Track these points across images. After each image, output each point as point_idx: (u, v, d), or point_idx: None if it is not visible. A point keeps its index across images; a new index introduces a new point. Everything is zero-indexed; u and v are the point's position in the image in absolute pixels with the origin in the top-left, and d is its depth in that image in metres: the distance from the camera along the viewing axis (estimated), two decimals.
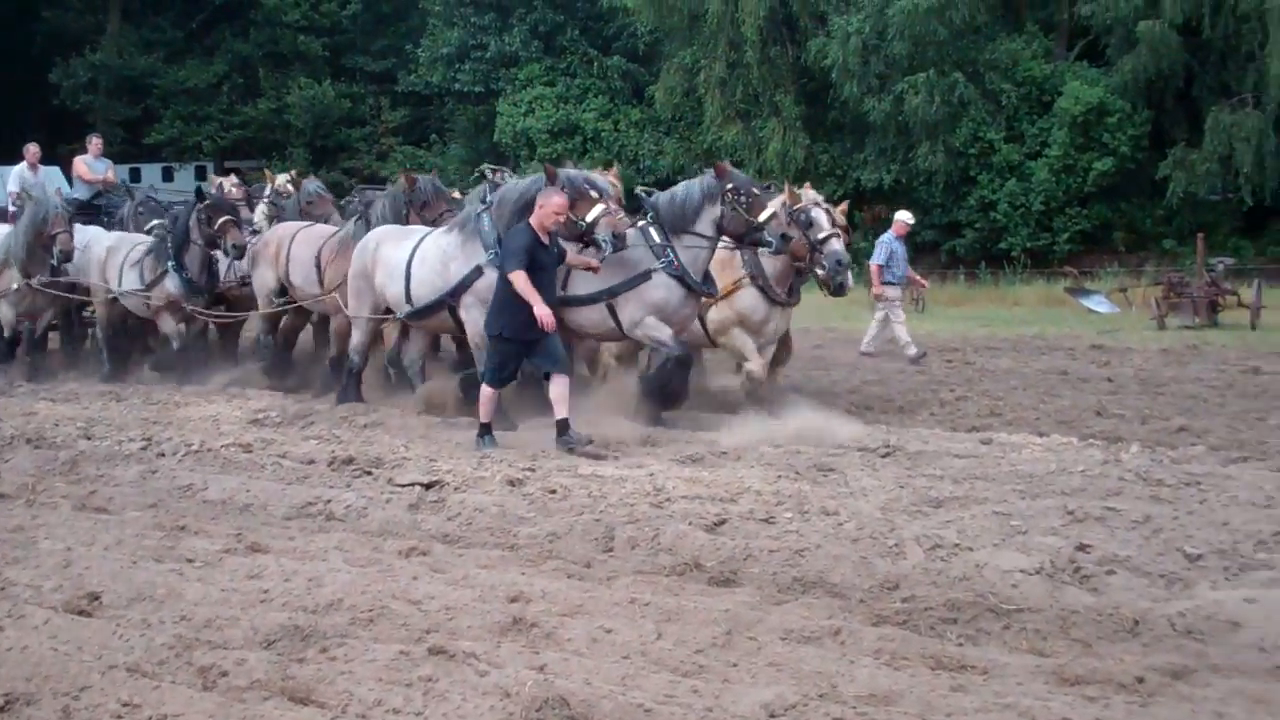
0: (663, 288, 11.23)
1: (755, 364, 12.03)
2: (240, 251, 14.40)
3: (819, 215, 12.03)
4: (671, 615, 5.82)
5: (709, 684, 4.96)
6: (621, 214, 11.36)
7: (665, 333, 11.14)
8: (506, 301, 10.11)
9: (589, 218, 10.72)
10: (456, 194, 14.77)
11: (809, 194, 12.39)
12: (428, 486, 8.62)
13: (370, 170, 45.97)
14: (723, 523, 7.46)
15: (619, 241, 10.73)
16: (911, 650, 5.32)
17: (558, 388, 10.09)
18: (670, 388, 11.28)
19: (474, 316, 11.34)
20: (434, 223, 12.62)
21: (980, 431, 11.10)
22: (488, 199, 11.71)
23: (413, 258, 11.93)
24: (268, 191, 17.11)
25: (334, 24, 49.19)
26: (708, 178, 11.36)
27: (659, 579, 6.54)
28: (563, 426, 10.04)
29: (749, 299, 12.04)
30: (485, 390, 10.35)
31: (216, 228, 14.32)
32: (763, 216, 10.95)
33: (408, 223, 12.97)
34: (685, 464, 9.40)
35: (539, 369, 10.45)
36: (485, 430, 10.29)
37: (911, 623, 5.76)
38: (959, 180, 35.83)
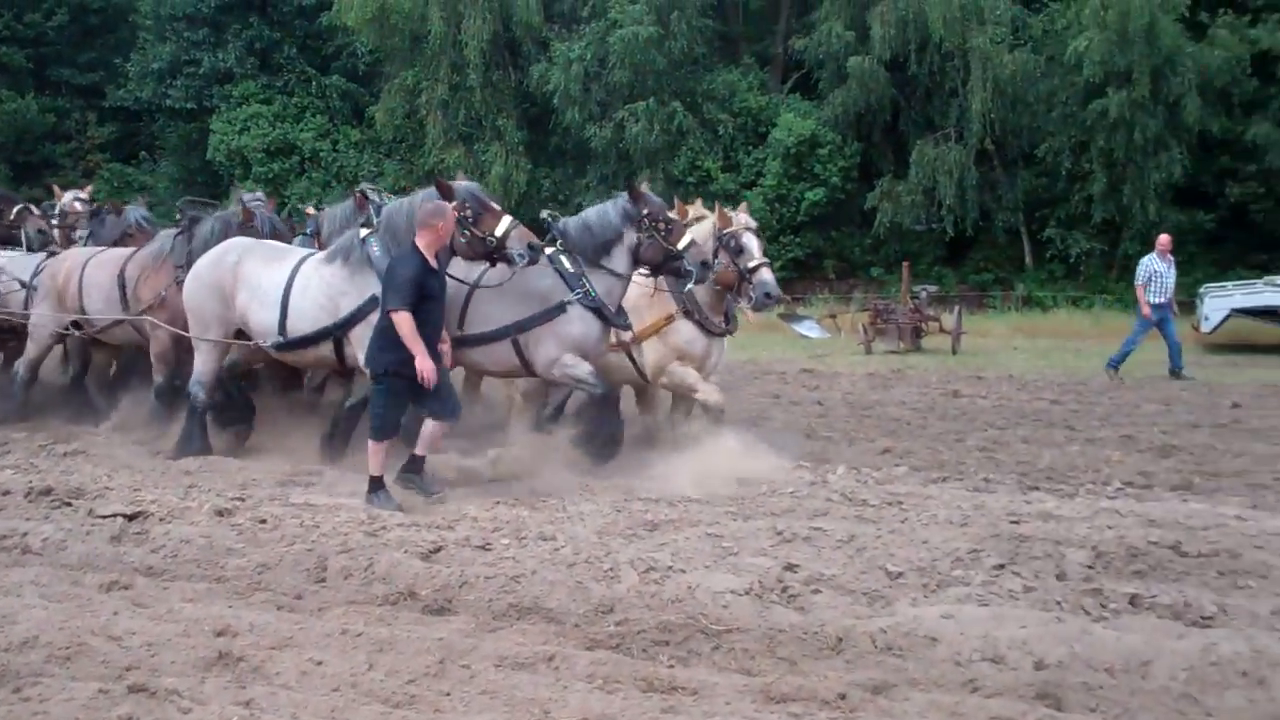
0: (579, 321, 10.17)
1: (708, 392, 11.04)
2: (45, 240, 13.66)
3: (750, 241, 11.25)
4: (384, 645, 5.72)
5: (420, 714, 4.90)
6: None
7: (584, 369, 10.10)
8: (392, 334, 8.86)
9: (498, 232, 9.71)
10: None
11: (741, 217, 11.50)
12: (130, 518, 8.20)
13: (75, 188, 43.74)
14: (438, 550, 7.39)
15: (535, 253, 9.76)
16: (624, 673, 5.36)
17: (434, 429, 9.14)
18: (604, 432, 10.33)
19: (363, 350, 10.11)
20: None
21: None
22: (373, 222, 10.48)
23: (292, 285, 10.45)
24: (56, 209, 15.29)
25: (38, 35, 46.81)
26: (622, 202, 10.44)
27: (372, 609, 6.44)
28: (417, 464, 9.18)
29: (685, 333, 11.10)
30: (373, 444, 8.94)
31: (13, 218, 13.62)
32: (681, 244, 10.20)
33: None
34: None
35: (428, 413, 9.15)
36: (378, 485, 8.88)
37: (625, 646, 5.81)
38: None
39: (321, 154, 41.02)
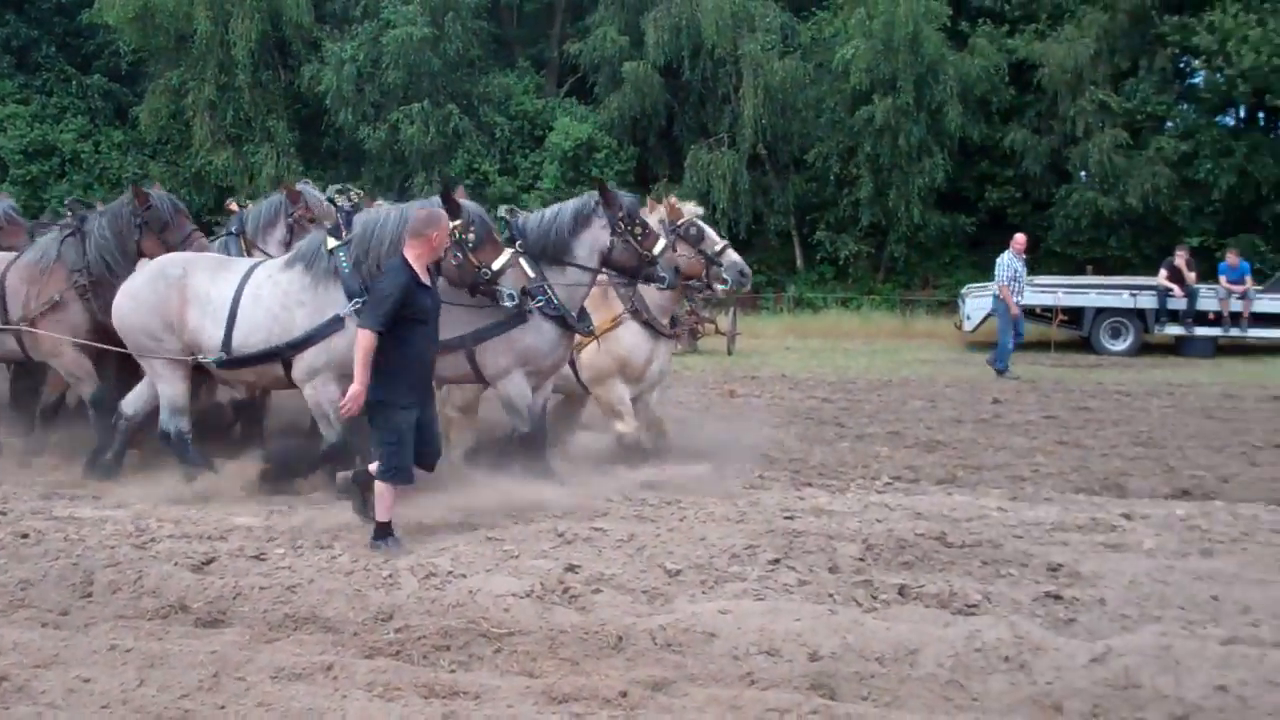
0: (534, 330, 9.56)
1: (629, 425, 10.50)
2: None
3: (706, 227, 10.82)
4: (155, 660, 5.54)
5: None
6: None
7: (524, 401, 9.54)
8: (389, 358, 7.69)
9: (495, 266, 8.94)
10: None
11: (689, 207, 11.00)
12: None
13: None
14: (211, 561, 7.21)
15: (525, 300, 9.16)
16: (404, 680, 5.30)
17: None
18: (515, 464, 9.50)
19: (321, 381, 9.14)
20: (179, 248, 10.40)
21: None
22: (342, 231, 9.29)
23: (240, 295, 9.41)
24: None
25: None
26: (588, 199, 9.87)
27: (142, 623, 6.23)
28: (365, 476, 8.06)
29: (631, 338, 10.50)
30: (380, 485, 7.77)
31: None
32: (657, 249, 9.69)
33: (138, 249, 10.61)
34: (173, 503, 8.99)
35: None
36: (385, 531, 7.73)
37: (405, 653, 5.75)
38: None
39: (83, 155, 39.34)
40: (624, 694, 5.11)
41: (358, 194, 9.90)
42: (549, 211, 10.03)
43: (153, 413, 9.85)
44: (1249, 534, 8.20)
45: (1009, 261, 20.42)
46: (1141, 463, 11.30)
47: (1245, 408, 15.79)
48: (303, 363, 9.20)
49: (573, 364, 10.41)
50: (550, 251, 9.70)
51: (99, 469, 9.97)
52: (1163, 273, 24.47)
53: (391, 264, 7.96)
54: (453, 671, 5.53)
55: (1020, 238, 21.18)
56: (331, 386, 9.07)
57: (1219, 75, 29.94)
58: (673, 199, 11.05)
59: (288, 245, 10.90)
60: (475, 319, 9.39)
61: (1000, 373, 19.78)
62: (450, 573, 6.83)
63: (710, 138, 34.47)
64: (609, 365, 10.45)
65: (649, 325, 10.59)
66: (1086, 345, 24.64)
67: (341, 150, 37.40)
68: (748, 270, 10.99)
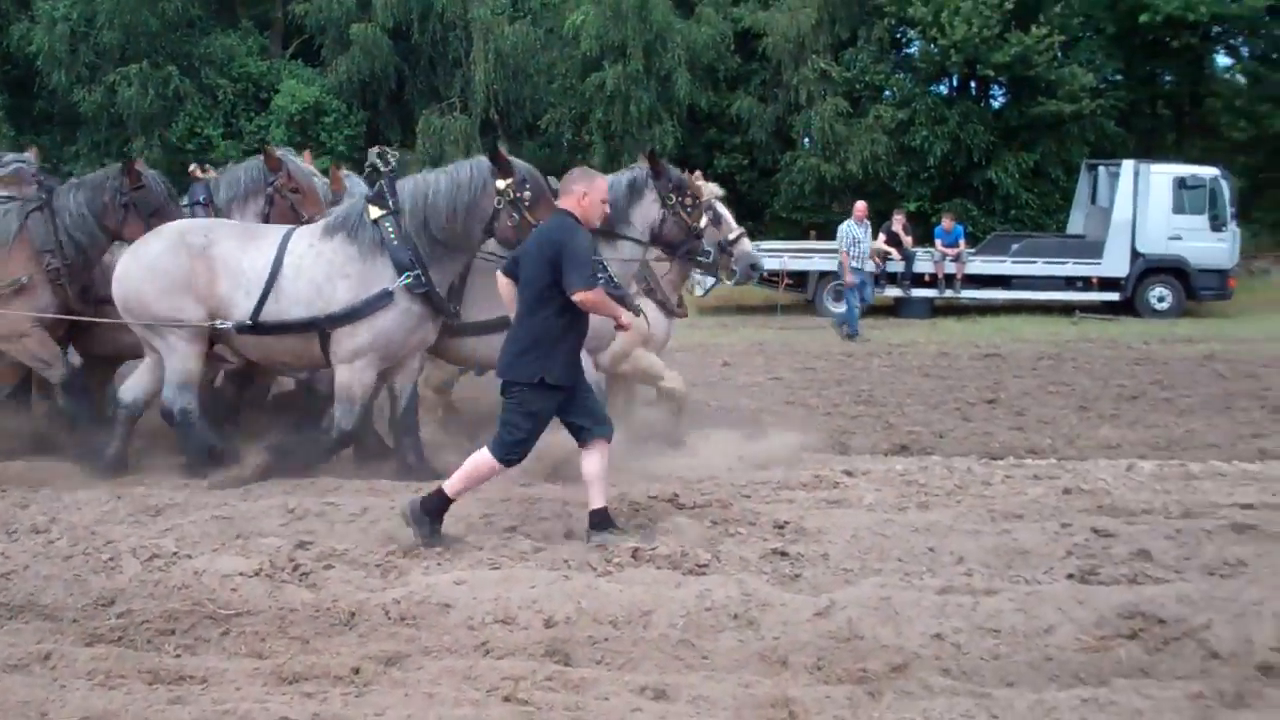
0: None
1: (673, 380, 10.24)
2: None
3: (725, 211, 10.51)
4: None
5: None
6: None
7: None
8: (554, 334, 7.01)
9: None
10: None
11: (710, 186, 10.60)
12: None
13: None
14: None
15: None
16: (128, 667, 5.13)
17: (597, 461, 7.14)
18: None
19: (362, 364, 8.80)
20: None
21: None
22: (389, 197, 8.86)
23: (279, 265, 8.87)
24: None
25: None
26: (639, 171, 9.51)
27: None
28: (601, 518, 7.12)
29: (649, 314, 9.89)
30: (489, 462, 7.01)
31: None
32: (703, 223, 9.51)
33: (117, 231, 9.73)
34: None
35: (580, 429, 7.21)
36: (445, 504, 7.03)
37: (128, 638, 5.57)
38: (180, 172, 34.99)
39: None
40: (356, 670, 5.04)
41: (394, 156, 9.42)
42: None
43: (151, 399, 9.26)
44: (963, 486, 8.64)
45: (848, 229, 21.05)
46: (862, 420, 11.77)
47: (960, 366, 16.60)
48: (346, 340, 8.79)
49: None
50: (603, 224, 8.90)
51: (105, 466, 9.13)
52: (881, 237, 25.39)
53: (564, 222, 7.10)
54: (178, 656, 5.37)
55: (861, 205, 21.83)
56: (370, 372, 8.87)
57: (933, 46, 31.15)
58: (697, 174, 10.56)
59: (266, 218, 10.21)
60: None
61: (850, 337, 20.37)
62: (175, 553, 6.60)
63: (442, 102, 34.12)
64: (632, 339, 9.62)
65: (662, 304, 10.23)
66: (811, 308, 25.45)
67: (56, 114, 35.56)
68: (760, 264, 10.83)
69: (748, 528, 7.31)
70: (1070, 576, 6.24)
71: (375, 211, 8.84)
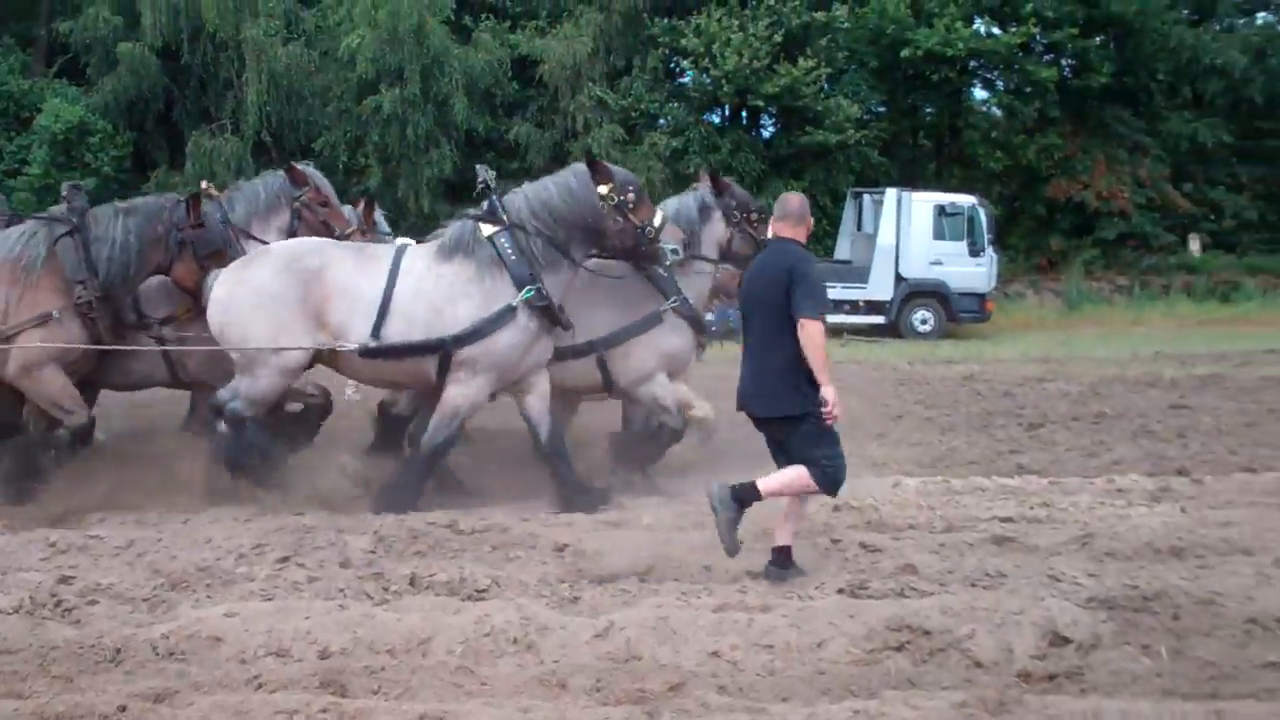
0: (674, 331, 9.50)
1: (702, 406, 9.78)
2: None
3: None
4: None
5: None
6: None
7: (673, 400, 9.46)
8: (799, 357, 6.75)
9: (656, 222, 8.82)
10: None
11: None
12: None
13: None
14: None
15: (683, 254, 9.06)
16: None
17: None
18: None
19: (481, 382, 8.73)
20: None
21: None
22: (500, 212, 8.84)
23: (394, 288, 8.66)
24: None
25: None
26: (704, 190, 9.61)
27: None
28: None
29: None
30: (807, 480, 6.70)
31: None
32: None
33: (167, 267, 9.22)
34: None
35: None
36: (788, 558, 6.82)
37: None
38: None
39: None
40: (122, 709, 4.87)
41: (492, 173, 9.33)
42: (666, 205, 9.62)
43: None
44: None
45: None
46: None
47: (731, 388, 16.82)
48: (467, 359, 8.64)
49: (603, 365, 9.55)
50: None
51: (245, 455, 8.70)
52: None
53: (796, 250, 6.93)
54: None
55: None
56: (486, 391, 8.82)
57: (705, 76, 31.76)
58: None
59: (292, 233, 9.80)
60: (609, 319, 9.29)
61: None
62: None
63: (213, 123, 33.29)
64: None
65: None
66: None
67: None
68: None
69: (527, 551, 7.32)
70: (841, 591, 6.42)
71: (487, 229, 8.81)
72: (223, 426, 8.63)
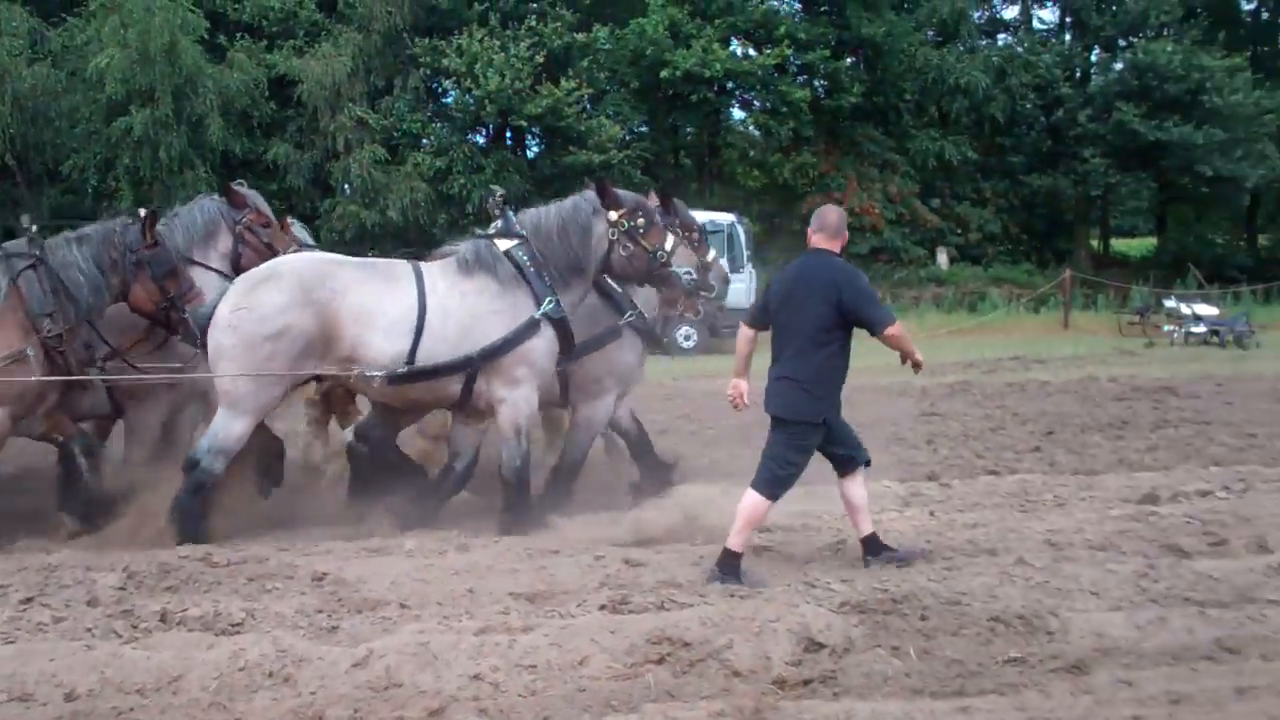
0: (630, 348, 9.66)
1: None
2: None
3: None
4: None
5: None
6: None
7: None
8: (837, 372, 7.27)
9: (668, 246, 8.96)
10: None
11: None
12: None
13: None
14: None
15: (700, 278, 9.42)
16: None
17: (860, 488, 7.50)
18: None
19: (525, 391, 8.70)
20: (173, 302, 8.65)
21: None
22: (516, 228, 8.88)
23: (425, 309, 8.45)
24: None
25: None
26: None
27: None
28: (874, 544, 7.47)
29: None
30: (761, 502, 7.14)
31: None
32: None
33: (121, 293, 8.64)
34: None
35: (843, 458, 7.47)
36: (734, 564, 7.07)
37: None
38: None
39: None
40: None
41: (503, 194, 9.62)
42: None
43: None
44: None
45: None
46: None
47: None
48: (504, 374, 8.62)
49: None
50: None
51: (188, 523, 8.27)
52: None
53: (835, 262, 7.27)
54: None
55: None
56: (535, 399, 8.82)
57: (468, 96, 31.72)
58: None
59: (236, 259, 9.43)
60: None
61: None
62: None
63: None
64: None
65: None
66: None
67: None
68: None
69: (285, 582, 7.16)
70: (603, 607, 6.46)
71: (504, 243, 8.81)
72: (186, 489, 8.29)
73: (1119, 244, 47.47)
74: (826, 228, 7.33)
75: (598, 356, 9.42)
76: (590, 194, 9.05)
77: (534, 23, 32.20)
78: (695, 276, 9.31)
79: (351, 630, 6.24)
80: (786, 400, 7.20)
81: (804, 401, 7.18)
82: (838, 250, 7.38)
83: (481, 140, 34.39)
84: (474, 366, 8.58)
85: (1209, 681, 5.63)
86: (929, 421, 14.19)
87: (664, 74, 32.89)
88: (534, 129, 33.11)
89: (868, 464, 7.60)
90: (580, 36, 32.59)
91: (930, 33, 38.49)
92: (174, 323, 8.80)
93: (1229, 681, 5.60)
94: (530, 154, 34.69)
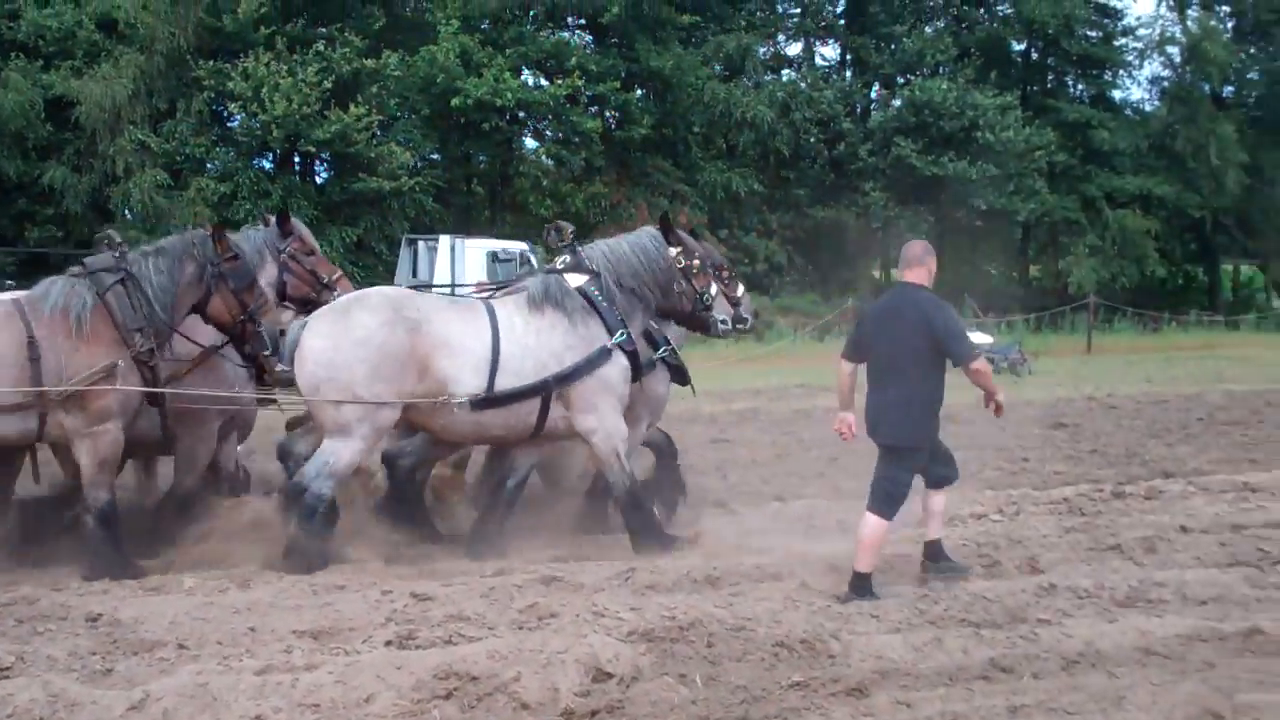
0: (661, 380, 9.92)
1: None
2: None
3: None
4: None
5: None
6: None
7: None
8: (938, 399, 7.81)
9: (713, 291, 9.48)
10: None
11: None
12: None
13: None
14: None
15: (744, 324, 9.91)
16: None
17: (943, 499, 8.26)
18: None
19: (608, 419, 8.93)
20: (249, 317, 8.74)
21: None
22: (585, 263, 9.19)
23: (499, 342, 8.63)
24: None
25: None
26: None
27: None
28: (938, 548, 8.22)
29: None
30: (880, 523, 7.63)
31: None
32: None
33: (200, 307, 8.72)
34: None
35: (939, 476, 8.11)
36: (866, 584, 7.60)
37: None
38: None
39: None
40: None
41: (572, 230, 9.99)
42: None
43: None
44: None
45: None
46: None
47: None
48: (585, 401, 8.85)
49: None
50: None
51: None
52: None
53: (928, 296, 7.80)
54: None
55: None
56: (622, 423, 9.03)
57: (254, 120, 31.11)
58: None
59: (282, 287, 9.48)
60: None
61: None
62: None
63: None
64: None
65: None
66: None
67: None
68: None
69: (58, 623, 6.91)
70: (389, 643, 6.39)
71: (574, 279, 9.04)
72: (302, 515, 8.34)
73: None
74: (911, 262, 7.87)
75: (635, 388, 9.49)
76: (654, 230, 9.48)
77: (323, 48, 31.76)
78: (728, 323, 9.64)
79: (127, 673, 6.05)
80: (895, 428, 7.66)
81: (910, 428, 7.67)
82: (925, 281, 7.84)
83: (268, 165, 33.75)
84: (549, 390, 8.78)
85: (983, 701, 5.84)
86: (719, 448, 14.41)
87: (455, 102, 32.76)
88: (323, 154, 32.64)
89: (955, 480, 8.29)
90: (369, 62, 32.24)
91: (718, 67, 39.20)
92: (249, 336, 8.91)
93: (1002, 700, 5.82)
94: (319, 180, 34.17)
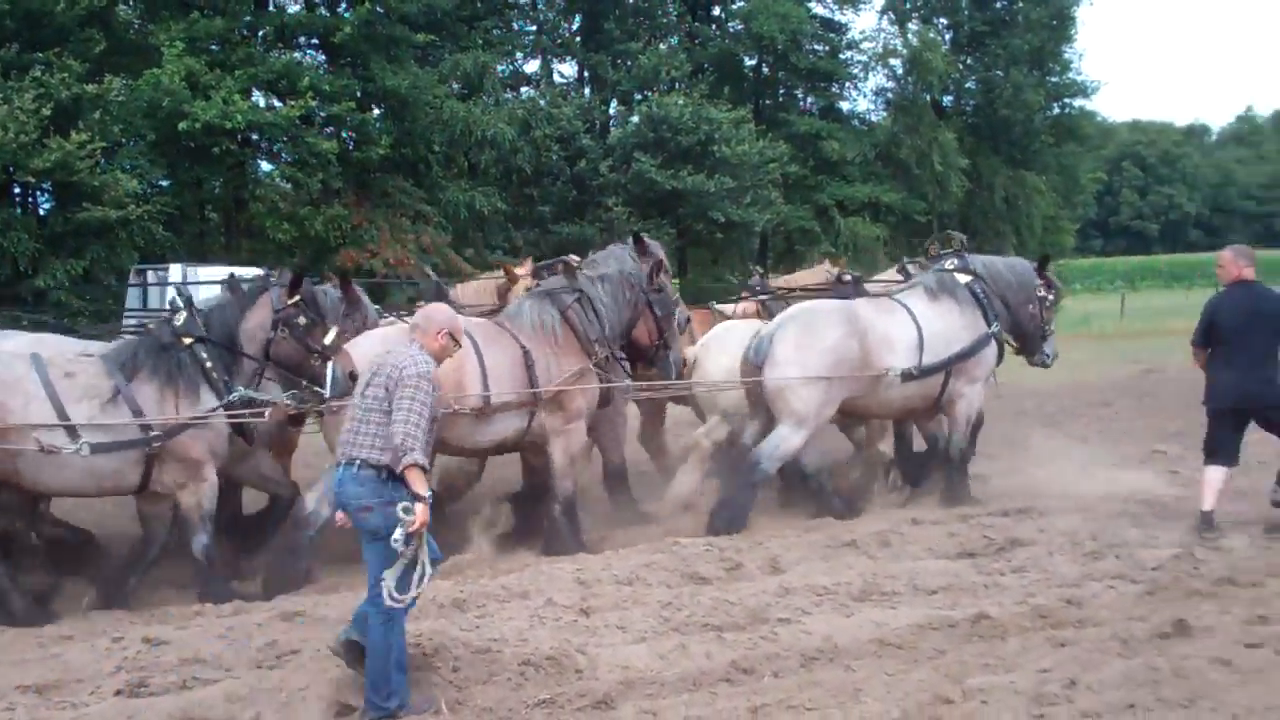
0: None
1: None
2: None
3: None
4: None
5: None
6: None
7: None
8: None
9: (1052, 326, 12.63)
10: None
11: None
12: None
13: None
14: None
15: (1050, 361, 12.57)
16: None
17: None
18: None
19: (976, 389, 11.65)
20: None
21: None
22: (969, 268, 11.90)
23: (922, 331, 11.40)
24: None
25: None
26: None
27: None
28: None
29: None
30: (1225, 471, 10.27)
31: None
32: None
33: (631, 325, 10.79)
34: None
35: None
36: (1210, 520, 10.05)
37: None
38: None
39: None
40: None
41: (962, 239, 12.93)
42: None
43: None
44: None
45: None
46: None
47: None
48: (967, 374, 11.50)
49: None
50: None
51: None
52: None
53: (1264, 289, 10.16)
54: None
55: None
56: (982, 396, 11.83)
57: None
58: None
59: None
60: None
61: None
62: None
63: None
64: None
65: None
66: None
67: None
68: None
69: None
70: (119, 693, 6.13)
71: (964, 278, 11.72)
72: (743, 484, 10.65)
73: None
74: (1243, 260, 10.17)
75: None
76: (1026, 261, 12.40)
77: (39, 73, 30.33)
78: (1049, 358, 12.45)
79: None
80: (1259, 387, 9.97)
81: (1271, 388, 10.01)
82: (1252, 277, 10.10)
83: None
84: (951, 366, 11.37)
85: (725, 703, 5.93)
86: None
87: (183, 126, 31.63)
88: (43, 184, 31.14)
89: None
90: (90, 88, 30.88)
91: (456, 86, 38.98)
92: (660, 360, 10.67)
93: (744, 702, 5.91)
94: (42, 212, 32.59)
